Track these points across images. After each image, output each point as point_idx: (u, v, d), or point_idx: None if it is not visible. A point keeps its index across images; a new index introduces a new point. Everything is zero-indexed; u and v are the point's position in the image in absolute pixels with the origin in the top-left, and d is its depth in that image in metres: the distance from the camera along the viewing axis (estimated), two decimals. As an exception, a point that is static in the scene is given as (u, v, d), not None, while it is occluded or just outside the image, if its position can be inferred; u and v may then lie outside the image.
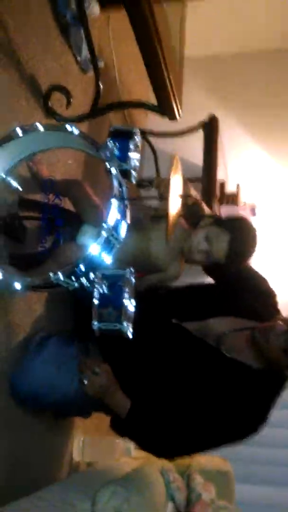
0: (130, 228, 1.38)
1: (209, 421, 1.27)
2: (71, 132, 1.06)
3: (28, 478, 1.50)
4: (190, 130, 2.14)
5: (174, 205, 1.05)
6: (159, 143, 2.46)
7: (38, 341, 1.47)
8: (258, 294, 1.47)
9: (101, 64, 1.76)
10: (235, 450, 2.19)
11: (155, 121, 2.72)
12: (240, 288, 1.45)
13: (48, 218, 1.44)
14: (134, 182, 1.20)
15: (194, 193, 1.67)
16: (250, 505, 2.16)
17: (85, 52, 1.83)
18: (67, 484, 1.44)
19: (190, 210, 1.51)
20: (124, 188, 1.12)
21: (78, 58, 1.84)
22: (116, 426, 1.42)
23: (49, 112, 1.57)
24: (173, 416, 1.30)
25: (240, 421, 1.27)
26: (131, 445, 1.90)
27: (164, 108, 1.49)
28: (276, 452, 2.29)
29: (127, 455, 1.89)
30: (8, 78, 1.42)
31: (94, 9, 1.80)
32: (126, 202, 1.10)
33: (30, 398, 1.36)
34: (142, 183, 2.54)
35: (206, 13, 2.69)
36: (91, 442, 1.87)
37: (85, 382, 1.27)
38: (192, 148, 2.29)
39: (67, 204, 1.52)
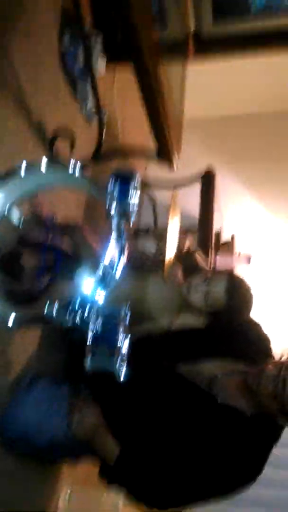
0: (127, 273, 1.41)
1: (202, 468, 1.21)
2: (73, 173, 1.10)
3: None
4: (188, 182, 2.21)
5: (172, 245, 1.07)
6: (156, 194, 2.55)
7: (27, 381, 1.44)
8: (251, 339, 1.46)
9: (105, 117, 1.85)
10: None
11: (154, 171, 2.83)
12: (233, 332, 1.44)
13: (46, 258, 1.46)
14: (131, 225, 1.23)
15: (189, 243, 1.71)
16: None
17: (90, 105, 1.93)
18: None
19: (185, 260, 1.54)
20: (123, 230, 1.15)
21: (84, 111, 1.94)
22: (104, 473, 1.37)
23: (53, 157, 1.63)
24: (164, 464, 1.24)
25: (234, 471, 1.21)
26: (119, 501, 1.81)
27: (163, 159, 1.56)
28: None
29: (114, 511, 1.79)
30: (17, 124, 1.50)
31: (100, 67, 1.91)
32: (124, 242, 1.13)
33: (19, 439, 1.32)
34: (139, 232, 2.60)
35: (204, 78, 2.88)
36: (78, 494, 1.78)
37: (74, 423, 1.24)
38: (189, 200, 2.37)
39: (66, 244, 1.54)
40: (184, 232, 1.55)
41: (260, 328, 1.51)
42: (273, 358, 1.43)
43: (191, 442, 1.24)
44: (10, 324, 1.08)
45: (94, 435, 1.27)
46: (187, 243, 1.67)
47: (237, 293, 1.38)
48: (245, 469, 1.22)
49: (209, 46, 2.04)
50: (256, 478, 1.23)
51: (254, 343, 1.45)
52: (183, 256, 1.53)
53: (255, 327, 1.49)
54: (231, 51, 2.07)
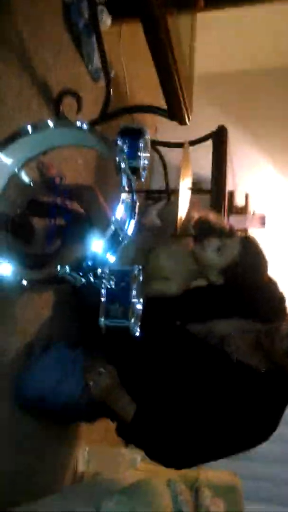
0: (139, 234, 1.39)
1: (218, 426, 1.22)
2: (81, 128, 1.06)
3: (32, 488, 1.47)
4: (199, 140, 2.15)
5: (184, 196, 1.04)
6: (167, 156, 2.49)
7: (43, 345, 1.46)
8: (266, 297, 1.44)
9: (112, 73, 1.79)
10: (245, 466, 2.16)
11: (164, 134, 2.77)
12: (247, 290, 1.42)
13: (56, 219, 1.44)
14: (143, 180, 1.20)
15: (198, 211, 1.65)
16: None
17: (96, 61, 1.86)
18: (71, 493, 1.40)
19: (200, 227, 1.51)
20: (133, 184, 1.12)
21: (89, 67, 1.88)
22: (121, 432, 1.39)
23: (60, 117, 1.59)
24: (180, 421, 1.26)
25: (249, 426, 1.22)
26: (137, 456, 1.85)
27: (174, 113, 1.51)
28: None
29: (132, 467, 1.83)
30: (20, 83, 1.45)
31: (106, 20, 1.83)
32: (135, 198, 1.10)
33: (35, 402, 1.34)
34: (151, 195, 2.57)
35: (215, 32, 2.76)
36: (96, 453, 1.82)
37: (90, 383, 1.25)
38: (201, 160, 2.31)
39: (76, 205, 1.52)
40: (196, 191, 1.50)
41: (276, 286, 1.48)
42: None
43: (206, 400, 1.25)
44: (23, 285, 1.08)
45: (110, 395, 1.28)
46: (195, 214, 1.62)
47: (252, 248, 1.36)
48: (260, 425, 1.23)
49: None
50: (271, 434, 1.24)
51: (269, 302, 1.44)
52: (194, 226, 1.50)
53: (271, 285, 1.47)
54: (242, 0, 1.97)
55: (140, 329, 1.07)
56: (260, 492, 2.18)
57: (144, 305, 1.08)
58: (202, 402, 1.25)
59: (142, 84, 2.71)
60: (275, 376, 1.25)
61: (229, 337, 1.32)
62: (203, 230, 1.53)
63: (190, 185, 1.14)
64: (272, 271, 1.55)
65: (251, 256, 1.36)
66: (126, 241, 1.06)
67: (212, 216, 1.54)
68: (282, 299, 1.49)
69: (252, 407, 1.23)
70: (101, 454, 1.84)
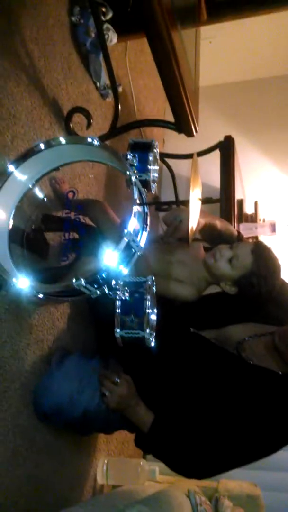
0: (151, 245, 1.39)
1: (239, 433, 1.21)
2: (92, 144, 1.09)
3: (51, 501, 1.47)
4: (207, 151, 2.18)
5: (194, 208, 1.06)
6: (176, 169, 2.52)
7: (59, 356, 1.47)
8: (280, 299, 1.44)
9: (119, 89, 1.83)
10: (265, 476, 2.14)
11: (171, 147, 2.80)
12: (261, 296, 1.40)
13: (70, 234, 1.46)
14: (153, 192, 1.23)
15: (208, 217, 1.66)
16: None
17: (103, 78, 1.91)
18: (91, 504, 1.40)
19: (208, 234, 1.52)
20: (144, 197, 1.14)
21: (98, 84, 1.92)
22: (140, 443, 1.39)
23: (70, 134, 1.63)
24: (200, 429, 1.25)
25: (271, 431, 1.21)
26: (156, 468, 1.84)
27: (182, 125, 1.53)
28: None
29: (152, 479, 1.83)
30: (32, 102, 1.49)
31: (112, 37, 1.88)
32: (147, 210, 1.12)
33: (52, 413, 1.35)
34: (161, 206, 2.59)
35: (218, 45, 2.82)
36: (115, 465, 1.83)
37: (106, 393, 1.26)
38: (209, 170, 2.34)
39: (88, 220, 1.55)
40: (206, 201, 1.52)
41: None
42: None
43: (224, 406, 1.25)
44: (40, 298, 1.11)
45: (127, 405, 1.28)
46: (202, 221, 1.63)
47: (264, 257, 1.33)
48: (281, 428, 1.22)
49: (222, 7, 1.98)
50: None
51: (284, 304, 1.43)
52: (202, 231, 1.50)
53: (284, 287, 1.46)
54: (245, 10, 2.00)
55: (155, 338, 1.08)
56: (281, 502, 2.15)
57: (161, 311, 1.10)
58: (220, 408, 1.25)
59: (148, 97, 2.76)
60: None
61: (244, 342, 1.31)
62: (212, 238, 1.54)
63: (200, 195, 1.16)
64: (284, 276, 1.56)
65: (264, 265, 1.33)
66: (139, 253, 1.08)
67: (219, 223, 1.55)
68: None
69: (271, 410, 1.22)
70: (120, 466, 1.84)
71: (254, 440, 1.22)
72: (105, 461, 1.83)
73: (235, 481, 1.94)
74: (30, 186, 1.23)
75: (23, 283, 1.07)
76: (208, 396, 1.28)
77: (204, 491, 1.79)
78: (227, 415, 1.24)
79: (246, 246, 1.35)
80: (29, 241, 1.39)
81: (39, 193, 1.33)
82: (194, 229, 1.16)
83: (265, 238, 2.21)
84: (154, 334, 1.09)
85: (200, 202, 1.13)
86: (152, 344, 1.08)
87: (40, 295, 1.10)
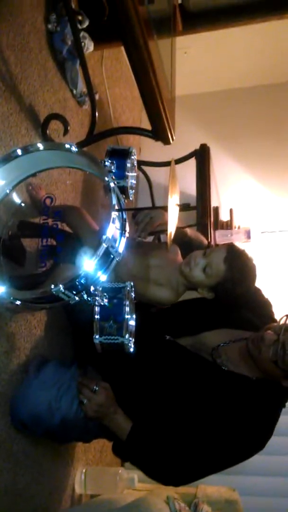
0: (129, 250, 1.40)
1: (214, 439, 1.22)
2: (70, 150, 1.09)
3: (29, 511, 1.45)
4: (183, 159, 2.21)
5: (173, 215, 1.07)
6: (152, 176, 2.55)
7: (37, 364, 1.45)
8: (253, 305, 1.46)
9: (96, 97, 1.84)
10: (243, 481, 2.16)
11: (148, 155, 2.83)
12: (237, 301, 1.41)
13: (47, 240, 1.45)
14: (131, 199, 1.24)
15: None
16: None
17: (80, 86, 1.92)
18: (70, 514, 1.38)
19: (179, 240, 1.54)
20: (122, 203, 1.15)
21: (74, 92, 1.93)
22: (118, 451, 1.38)
23: (47, 140, 1.62)
24: (176, 436, 1.26)
25: (245, 436, 1.22)
26: (135, 476, 1.83)
27: (158, 133, 1.55)
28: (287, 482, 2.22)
29: (130, 487, 1.82)
30: (9, 108, 1.48)
31: (88, 45, 1.89)
32: (125, 216, 1.13)
33: (30, 422, 1.33)
34: (138, 213, 2.60)
35: (193, 56, 2.87)
36: (93, 474, 1.81)
37: (84, 402, 1.25)
38: (185, 178, 2.37)
39: (65, 226, 1.54)
40: (182, 208, 1.54)
41: (261, 292, 1.51)
42: (277, 321, 1.43)
43: (200, 412, 1.25)
44: (17, 305, 1.10)
45: (105, 413, 1.27)
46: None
47: (237, 262, 1.34)
48: (255, 433, 1.23)
49: (197, 18, 2.02)
50: (266, 442, 1.24)
51: (257, 309, 1.45)
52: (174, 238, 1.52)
53: (256, 292, 1.49)
54: (219, 22, 2.05)
55: (133, 345, 1.08)
56: (259, 506, 2.17)
57: (137, 319, 1.10)
58: (195, 415, 1.26)
59: (124, 106, 2.78)
60: (266, 383, 1.26)
61: (219, 348, 1.33)
62: (182, 244, 1.56)
63: (178, 201, 1.17)
64: (260, 282, 1.58)
65: (237, 271, 1.34)
66: (117, 259, 1.08)
67: (189, 230, 1.58)
68: (269, 304, 1.52)
69: (245, 416, 1.23)
70: (98, 475, 1.82)
71: (230, 446, 1.23)
72: (83, 470, 1.81)
73: (213, 487, 1.94)
74: (7, 191, 1.22)
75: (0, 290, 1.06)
76: (184, 403, 1.29)
77: (183, 497, 1.79)
78: (202, 422, 1.24)
79: (218, 254, 1.35)
80: (5, 247, 1.38)
81: (16, 199, 1.32)
82: (172, 234, 1.17)
83: (240, 245, 2.24)
84: (133, 339, 1.10)
85: (178, 208, 1.14)
86: (131, 349, 1.09)
87: (17, 302, 1.09)
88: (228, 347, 1.33)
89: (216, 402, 1.26)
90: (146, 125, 1.66)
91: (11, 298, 1.08)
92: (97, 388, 1.26)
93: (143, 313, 1.43)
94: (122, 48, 1.47)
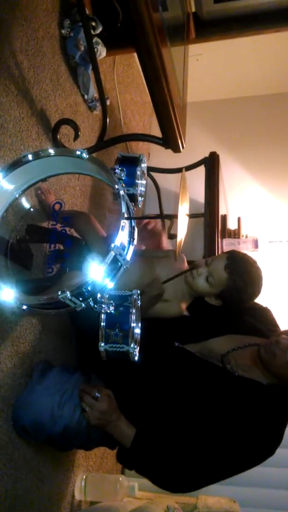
0: (137, 258, 1.40)
1: (222, 445, 1.20)
2: (81, 156, 1.09)
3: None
4: (193, 166, 2.20)
5: (183, 224, 1.07)
6: (161, 183, 2.54)
7: (41, 370, 1.45)
8: (254, 311, 1.46)
9: (107, 102, 1.84)
10: (243, 492, 2.14)
11: (157, 161, 2.83)
12: (241, 308, 1.43)
13: (55, 245, 1.45)
14: (140, 207, 1.23)
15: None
16: None
17: (92, 91, 1.92)
18: (69, 521, 1.37)
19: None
20: (131, 211, 1.14)
21: (86, 97, 1.93)
22: (122, 459, 1.37)
23: (58, 145, 1.63)
24: (183, 443, 1.24)
25: (254, 442, 1.20)
26: (135, 484, 1.82)
27: (169, 141, 1.55)
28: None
29: (131, 495, 1.81)
30: (20, 112, 1.49)
31: (101, 51, 1.90)
32: (134, 224, 1.12)
33: (32, 428, 1.32)
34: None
35: (205, 63, 2.87)
36: (93, 481, 1.79)
37: (86, 409, 1.24)
38: (194, 186, 2.36)
39: (74, 231, 1.54)
40: (191, 216, 1.54)
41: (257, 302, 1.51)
42: (279, 327, 1.43)
43: (210, 418, 1.24)
44: (23, 310, 1.09)
45: (108, 421, 1.26)
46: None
47: (238, 270, 1.34)
48: (265, 439, 1.21)
49: (210, 26, 2.02)
50: (276, 448, 1.22)
51: (259, 315, 1.46)
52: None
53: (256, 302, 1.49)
54: (231, 31, 2.05)
55: (139, 352, 1.07)
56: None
57: (144, 326, 1.10)
58: (204, 420, 1.24)
59: (135, 111, 2.79)
60: (278, 389, 1.25)
61: (228, 354, 1.32)
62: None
63: (187, 210, 1.16)
64: (268, 292, 1.58)
65: (239, 278, 1.34)
66: (125, 267, 1.08)
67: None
68: (270, 311, 1.53)
69: (257, 421, 1.22)
70: (98, 482, 1.81)
71: (239, 453, 1.21)
72: (84, 477, 1.79)
73: (214, 497, 1.93)
74: (17, 196, 1.22)
75: (7, 294, 1.06)
76: (192, 409, 1.27)
77: (183, 507, 1.78)
78: (211, 427, 1.23)
79: (219, 263, 1.36)
80: (13, 251, 1.38)
81: (25, 203, 1.32)
82: (181, 243, 1.16)
83: (248, 254, 2.23)
84: (138, 348, 1.09)
85: (187, 218, 1.13)
86: (136, 358, 1.08)
87: (24, 307, 1.09)
88: (237, 353, 1.33)
89: (226, 407, 1.24)
90: (156, 129, 1.66)
91: (18, 302, 1.07)
92: (99, 395, 1.25)
93: (151, 320, 1.43)
94: (134, 53, 1.47)
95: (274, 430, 1.22)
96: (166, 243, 1.70)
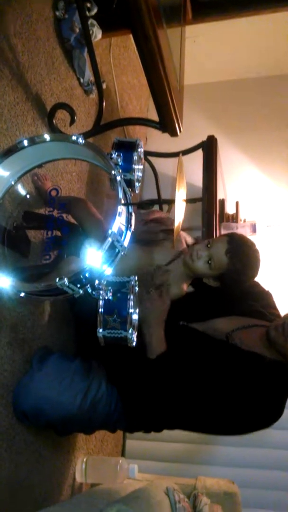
0: (134, 243, 1.39)
1: (226, 405, 1.27)
2: (77, 142, 1.08)
3: (30, 500, 1.46)
4: (190, 150, 2.18)
5: (180, 209, 1.06)
6: (159, 168, 2.52)
7: (40, 356, 1.45)
8: (256, 294, 1.50)
9: (104, 85, 1.82)
10: (242, 474, 2.17)
11: (154, 145, 2.80)
12: (241, 290, 1.47)
13: (52, 232, 1.45)
14: (137, 192, 1.22)
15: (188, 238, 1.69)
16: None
17: (87, 74, 1.89)
18: (71, 503, 1.40)
19: None
20: (128, 196, 1.14)
21: (81, 80, 1.90)
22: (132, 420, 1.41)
23: (54, 130, 1.61)
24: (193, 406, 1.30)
25: (255, 407, 1.25)
26: (135, 466, 1.85)
27: (166, 125, 1.53)
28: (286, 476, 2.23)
29: (131, 477, 1.83)
30: (15, 97, 1.47)
31: (96, 33, 1.86)
32: (131, 210, 1.12)
33: (33, 414, 1.34)
34: (143, 205, 2.59)
35: (202, 45, 2.83)
36: (94, 463, 1.82)
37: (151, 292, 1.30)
38: (192, 170, 2.34)
39: (71, 217, 1.53)
40: (189, 200, 1.54)
41: (259, 284, 1.55)
42: (278, 311, 1.47)
43: (214, 386, 1.27)
44: (21, 297, 1.09)
45: (157, 316, 1.32)
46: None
47: (239, 253, 1.37)
48: (266, 407, 1.26)
49: (207, 7, 1.99)
50: (276, 419, 1.27)
51: (261, 299, 1.48)
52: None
53: (257, 284, 1.54)
54: (229, 12, 2.02)
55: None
56: (257, 499, 2.19)
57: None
58: (210, 389, 1.28)
59: (131, 94, 2.75)
60: (281, 364, 1.28)
61: (233, 333, 1.36)
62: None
63: (184, 196, 1.16)
64: (266, 276, 1.60)
65: (240, 262, 1.37)
66: (122, 253, 1.08)
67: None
68: (269, 293, 1.58)
69: (259, 390, 1.26)
70: (99, 465, 1.84)
71: (239, 414, 1.28)
72: (84, 459, 1.82)
73: (213, 479, 1.96)
74: (12, 182, 1.21)
75: (4, 281, 1.06)
76: (198, 383, 1.30)
77: (182, 489, 1.80)
78: (216, 393, 1.27)
79: (220, 247, 1.39)
80: (10, 238, 1.37)
81: (21, 190, 1.31)
82: (179, 228, 1.16)
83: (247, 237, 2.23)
84: (136, 334, 1.10)
85: (185, 203, 1.13)
86: (134, 344, 1.09)
87: (22, 294, 1.09)
88: (242, 331, 1.36)
89: (231, 376, 1.28)
90: (153, 113, 1.64)
91: (15, 290, 1.07)
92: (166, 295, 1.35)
93: None
94: (130, 35, 1.45)
95: (274, 400, 1.26)
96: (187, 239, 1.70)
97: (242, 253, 1.38)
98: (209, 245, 1.41)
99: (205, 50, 2.91)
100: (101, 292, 1.06)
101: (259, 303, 1.49)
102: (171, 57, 1.54)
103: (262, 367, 1.27)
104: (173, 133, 1.54)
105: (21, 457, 1.40)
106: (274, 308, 1.52)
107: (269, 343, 1.30)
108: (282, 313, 1.46)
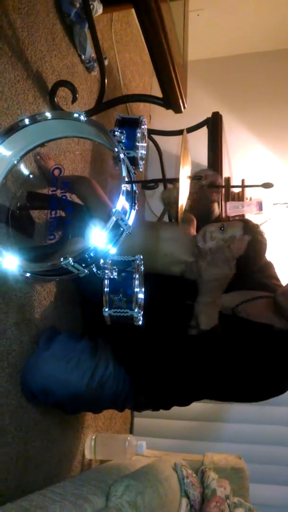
0: (139, 224, 1.38)
1: (241, 379, 1.29)
2: (79, 119, 1.06)
3: (40, 477, 1.49)
4: (195, 127, 2.15)
5: (184, 187, 1.05)
6: (163, 146, 2.49)
7: (47, 336, 1.46)
8: (260, 266, 1.50)
9: (105, 62, 1.78)
10: (249, 449, 2.20)
11: (158, 123, 2.76)
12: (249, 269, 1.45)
13: (56, 211, 1.44)
14: (141, 170, 1.21)
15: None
16: (265, 506, 2.13)
17: (89, 51, 1.86)
18: (80, 479, 1.42)
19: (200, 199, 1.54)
20: (132, 174, 1.12)
21: (83, 57, 1.86)
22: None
23: (55, 108, 1.58)
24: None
25: (266, 375, 1.28)
26: (143, 443, 1.88)
27: (170, 101, 1.50)
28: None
29: (139, 453, 1.86)
30: (15, 75, 1.44)
31: (97, 8, 1.81)
32: (135, 188, 1.11)
33: (41, 393, 1.35)
34: (147, 184, 2.57)
35: (206, 19, 2.75)
36: (102, 441, 1.85)
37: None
38: (196, 147, 2.31)
39: (75, 197, 1.52)
40: (194, 178, 1.52)
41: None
42: (281, 282, 1.50)
43: (230, 360, 1.28)
44: (26, 277, 1.09)
45: (224, 283, 1.28)
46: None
47: (252, 241, 1.38)
48: (276, 376, 1.29)
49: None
50: (284, 391, 1.31)
51: (265, 270, 1.52)
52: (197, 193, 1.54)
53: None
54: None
55: (149, 314, 1.08)
56: (265, 474, 2.22)
57: (151, 288, 1.10)
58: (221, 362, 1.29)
59: (134, 71, 2.70)
60: None
61: (239, 307, 1.38)
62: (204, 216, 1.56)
63: (189, 173, 1.14)
64: (273, 254, 1.60)
65: (252, 249, 1.38)
66: (127, 232, 1.07)
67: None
68: (271, 265, 1.60)
69: (272, 358, 1.28)
70: (107, 442, 1.87)
71: (251, 387, 1.31)
72: (93, 437, 1.85)
73: (220, 454, 1.99)
74: (15, 162, 1.20)
75: (10, 262, 1.06)
76: (208, 357, 1.30)
77: (190, 464, 1.84)
78: (227, 368, 1.28)
79: (235, 231, 1.39)
80: (14, 219, 1.36)
81: (24, 169, 1.30)
82: (184, 207, 1.15)
83: (251, 216, 2.21)
84: (142, 312, 1.10)
85: (189, 181, 1.11)
86: (140, 322, 1.09)
87: (27, 274, 1.09)
88: (247, 304, 1.38)
89: (240, 348, 1.29)
90: (157, 90, 1.61)
91: (21, 270, 1.07)
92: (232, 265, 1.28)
93: (158, 281, 1.44)
94: (133, 10, 1.41)
95: (283, 370, 1.28)
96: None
97: (256, 241, 1.39)
98: (222, 229, 1.40)
99: (210, 24, 2.84)
100: (106, 271, 1.05)
101: (263, 274, 1.52)
102: (174, 31, 1.50)
103: (272, 336, 1.29)
104: (177, 110, 1.52)
105: (30, 435, 1.42)
106: (277, 279, 1.54)
107: (277, 311, 1.32)
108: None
